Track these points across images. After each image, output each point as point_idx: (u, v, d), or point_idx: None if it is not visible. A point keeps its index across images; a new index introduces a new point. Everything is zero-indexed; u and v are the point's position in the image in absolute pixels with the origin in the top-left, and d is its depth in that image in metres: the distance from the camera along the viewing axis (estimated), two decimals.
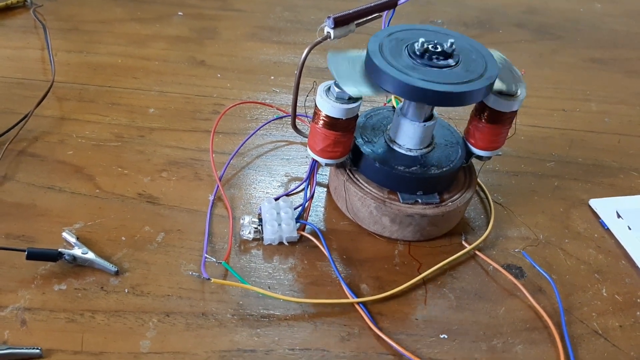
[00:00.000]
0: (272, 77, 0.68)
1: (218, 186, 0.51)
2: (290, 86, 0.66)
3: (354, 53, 0.45)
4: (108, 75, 0.65)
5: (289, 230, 0.47)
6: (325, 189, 0.54)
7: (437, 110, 0.48)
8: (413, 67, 0.42)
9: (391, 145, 0.48)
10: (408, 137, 0.47)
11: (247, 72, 0.69)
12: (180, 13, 0.79)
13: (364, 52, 0.44)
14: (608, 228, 0.53)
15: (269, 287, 0.44)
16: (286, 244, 0.47)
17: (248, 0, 0.85)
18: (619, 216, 0.53)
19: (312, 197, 0.49)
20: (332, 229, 0.50)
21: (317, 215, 0.51)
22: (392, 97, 0.54)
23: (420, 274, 0.46)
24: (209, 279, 0.42)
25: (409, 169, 0.47)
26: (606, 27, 0.90)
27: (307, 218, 0.49)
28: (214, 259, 0.44)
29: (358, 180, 0.48)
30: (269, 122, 0.60)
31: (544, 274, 0.47)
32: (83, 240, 0.45)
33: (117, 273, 0.43)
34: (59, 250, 0.43)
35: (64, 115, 0.58)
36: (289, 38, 0.77)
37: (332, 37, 0.43)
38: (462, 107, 0.61)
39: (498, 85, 0.44)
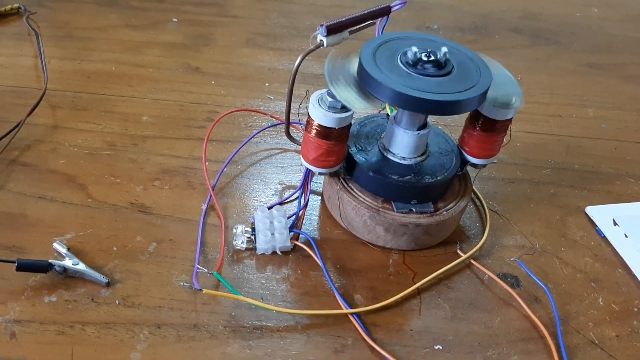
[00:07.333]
0: (267, 84, 0.68)
1: (211, 195, 0.51)
2: (285, 93, 0.66)
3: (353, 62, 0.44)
4: (102, 82, 0.65)
5: (282, 240, 0.46)
6: (320, 198, 0.53)
7: (431, 118, 0.48)
8: (406, 76, 0.42)
9: (385, 153, 0.48)
10: (402, 145, 0.47)
11: (242, 79, 0.69)
12: (175, 20, 0.79)
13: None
14: (604, 236, 0.52)
15: (262, 298, 0.44)
16: (279, 253, 0.47)
17: (244, 7, 0.85)
18: (615, 224, 0.53)
19: (305, 205, 0.49)
20: (326, 238, 0.49)
21: (310, 224, 0.50)
22: (387, 104, 0.54)
23: (415, 283, 0.46)
24: (200, 289, 0.42)
25: (403, 178, 0.46)
26: (603, 32, 0.89)
27: (300, 227, 0.48)
28: (206, 270, 0.44)
29: (352, 189, 0.48)
30: (263, 129, 0.60)
31: (540, 283, 0.47)
32: (74, 251, 0.44)
33: (108, 284, 0.43)
34: (50, 261, 0.42)
35: (56, 124, 0.58)
36: (285, 44, 0.77)
37: (325, 45, 0.43)
38: (456, 115, 0.60)
39: (493, 94, 0.44)
